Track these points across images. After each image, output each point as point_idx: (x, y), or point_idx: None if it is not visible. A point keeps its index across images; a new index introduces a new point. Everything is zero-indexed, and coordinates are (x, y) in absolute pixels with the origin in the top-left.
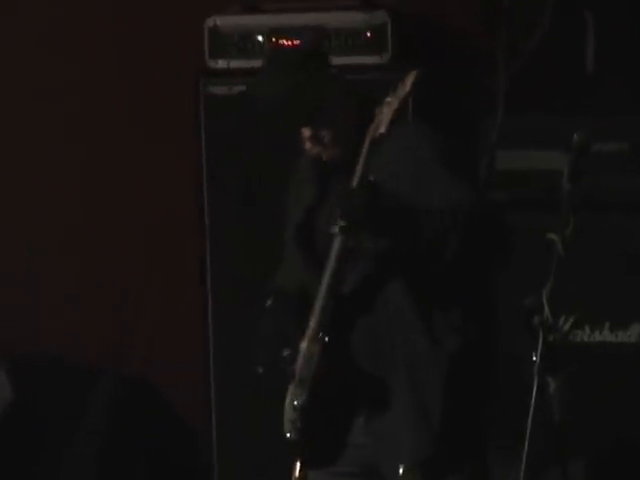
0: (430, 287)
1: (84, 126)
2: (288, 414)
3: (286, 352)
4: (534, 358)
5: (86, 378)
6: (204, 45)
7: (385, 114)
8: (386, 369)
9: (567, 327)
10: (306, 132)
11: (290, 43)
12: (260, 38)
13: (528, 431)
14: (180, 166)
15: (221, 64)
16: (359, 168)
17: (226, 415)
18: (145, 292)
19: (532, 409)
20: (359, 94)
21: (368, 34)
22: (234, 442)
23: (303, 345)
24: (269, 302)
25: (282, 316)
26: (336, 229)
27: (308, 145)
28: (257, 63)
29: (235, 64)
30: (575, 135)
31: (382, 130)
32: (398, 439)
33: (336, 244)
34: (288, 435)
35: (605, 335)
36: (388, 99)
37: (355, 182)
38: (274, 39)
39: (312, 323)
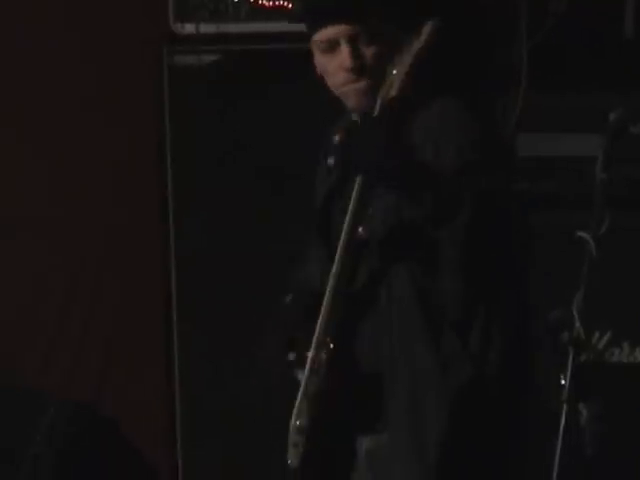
0: (444, 297)
1: (27, 107)
2: (291, 437)
3: (292, 356)
4: (563, 382)
5: (33, 406)
6: (168, 7)
7: (397, 74)
8: (387, 388)
9: (602, 345)
10: (349, 60)
11: (272, 4)
12: None
13: (556, 469)
14: (141, 149)
15: (188, 29)
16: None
17: (193, 451)
18: (99, 302)
19: (560, 442)
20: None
21: None
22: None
23: (310, 354)
24: (289, 298)
25: (294, 318)
26: (331, 161)
27: (343, 78)
28: (232, 28)
29: (205, 29)
30: (611, 114)
31: (394, 93)
32: (392, 470)
33: (344, 229)
34: (289, 462)
35: None
36: (398, 57)
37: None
38: None
39: (318, 327)
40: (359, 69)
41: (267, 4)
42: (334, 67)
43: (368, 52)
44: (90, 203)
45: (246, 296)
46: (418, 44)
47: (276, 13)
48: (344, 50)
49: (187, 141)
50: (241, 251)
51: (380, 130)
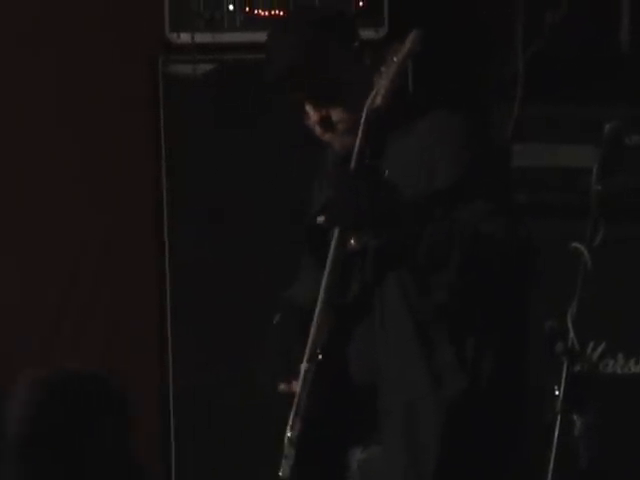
0: (436, 310)
1: (23, 113)
2: (285, 449)
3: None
4: (557, 392)
5: None
6: (164, 16)
7: (382, 83)
8: (381, 401)
9: (597, 355)
10: (313, 115)
11: (267, 14)
12: (231, 7)
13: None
14: (136, 158)
15: (184, 38)
16: (356, 147)
17: (187, 454)
18: (95, 304)
19: (554, 453)
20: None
21: (360, 3)
22: None
23: (303, 365)
24: (277, 319)
25: (289, 333)
26: (322, 219)
27: (318, 130)
28: (227, 37)
29: (201, 38)
30: (607, 126)
31: (379, 102)
32: None
33: (333, 242)
34: (280, 474)
35: None
36: (384, 67)
37: (352, 165)
38: (248, 9)
39: (310, 340)
40: (322, 124)
41: (262, 14)
42: (312, 120)
43: (323, 111)
44: (85, 209)
45: (240, 302)
46: (402, 53)
47: (271, 23)
48: (312, 115)
49: (182, 150)
50: (235, 258)
51: (359, 182)
